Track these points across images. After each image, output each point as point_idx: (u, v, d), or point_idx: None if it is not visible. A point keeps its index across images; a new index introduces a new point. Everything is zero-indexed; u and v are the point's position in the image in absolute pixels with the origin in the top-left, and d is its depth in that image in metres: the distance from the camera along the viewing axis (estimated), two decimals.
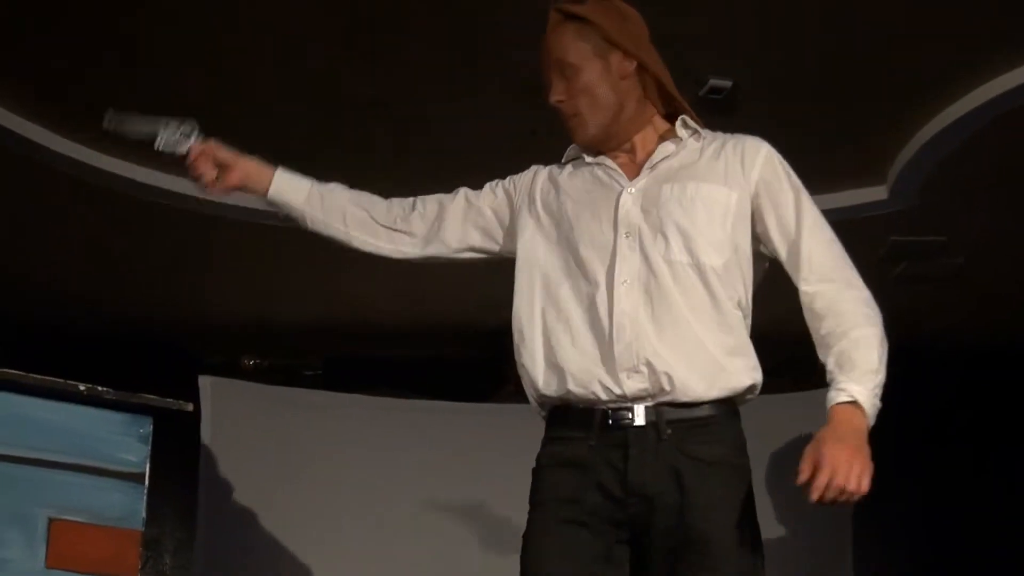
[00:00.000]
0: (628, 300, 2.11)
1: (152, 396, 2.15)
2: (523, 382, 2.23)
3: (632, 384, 2.07)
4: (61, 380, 2.06)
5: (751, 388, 2.15)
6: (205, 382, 5.37)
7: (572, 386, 2.12)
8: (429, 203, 2.41)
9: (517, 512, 2.29)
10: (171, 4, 3.70)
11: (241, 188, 2.38)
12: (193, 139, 2.35)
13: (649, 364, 2.06)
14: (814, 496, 1.90)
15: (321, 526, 5.20)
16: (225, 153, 2.34)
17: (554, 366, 2.15)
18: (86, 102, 4.17)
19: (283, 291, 4.97)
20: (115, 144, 4.40)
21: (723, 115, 4.20)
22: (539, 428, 2.25)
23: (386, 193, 2.45)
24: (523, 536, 2.17)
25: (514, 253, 2.33)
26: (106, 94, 4.11)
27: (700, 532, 2.02)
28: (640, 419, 2.08)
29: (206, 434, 5.28)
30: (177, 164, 2.40)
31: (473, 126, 4.26)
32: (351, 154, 4.36)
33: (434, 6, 3.66)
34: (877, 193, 4.67)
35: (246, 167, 2.36)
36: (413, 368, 5.77)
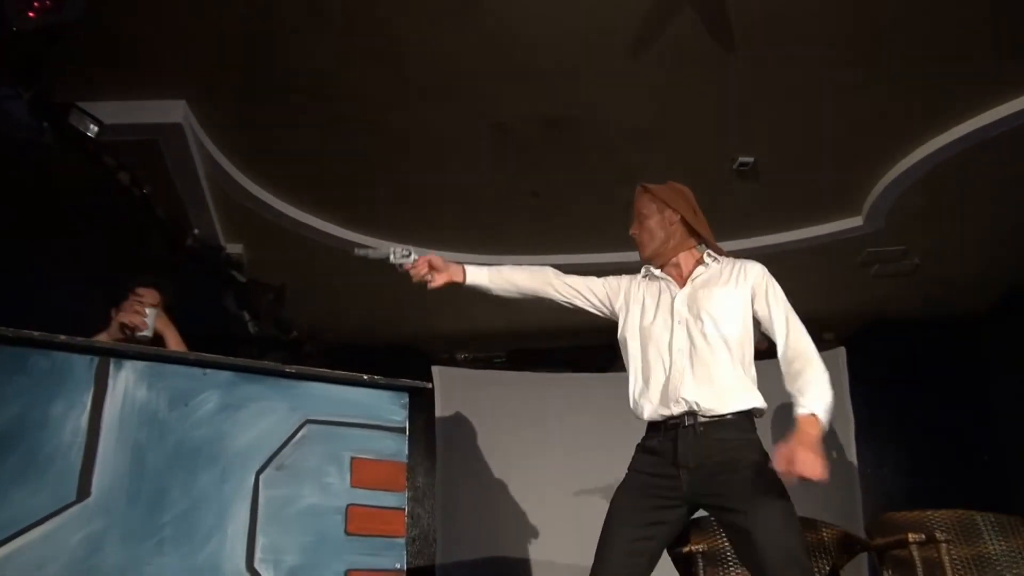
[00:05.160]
0: (679, 361, 2.23)
1: (407, 380, 2.15)
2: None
3: (677, 408, 2.19)
4: (355, 373, 2.09)
5: (757, 409, 2.20)
6: (436, 370, 5.46)
7: (647, 415, 2.25)
8: (568, 278, 2.48)
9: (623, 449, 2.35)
10: (403, 140, 3.79)
11: (448, 281, 2.40)
12: (412, 256, 2.38)
13: (684, 398, 2.18)
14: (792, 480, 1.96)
15: (507, 455, 5.11)
16: (436, 260, 2.40)
17: (642, 404, 2.28)
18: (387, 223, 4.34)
19: (481, 312, 5.01)
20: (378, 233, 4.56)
21: (750, 180, 4.06)
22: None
23: (540, 248, 2.46)
24: (617, 488, 2.25)
25: (608, 314, 2.45)
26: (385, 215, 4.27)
27: (728, 484, 2.09)
28: (684, 424, 2.17)
29: (438, 402, 5.35)
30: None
31: (589, 204, 4.25)
32: (519, 227, 4.40)
33: (569, 143, 3.69)
34: (856, 221, 4.48)
35: (449, 268, 2.41)
36: (561, 353, 5.75)
